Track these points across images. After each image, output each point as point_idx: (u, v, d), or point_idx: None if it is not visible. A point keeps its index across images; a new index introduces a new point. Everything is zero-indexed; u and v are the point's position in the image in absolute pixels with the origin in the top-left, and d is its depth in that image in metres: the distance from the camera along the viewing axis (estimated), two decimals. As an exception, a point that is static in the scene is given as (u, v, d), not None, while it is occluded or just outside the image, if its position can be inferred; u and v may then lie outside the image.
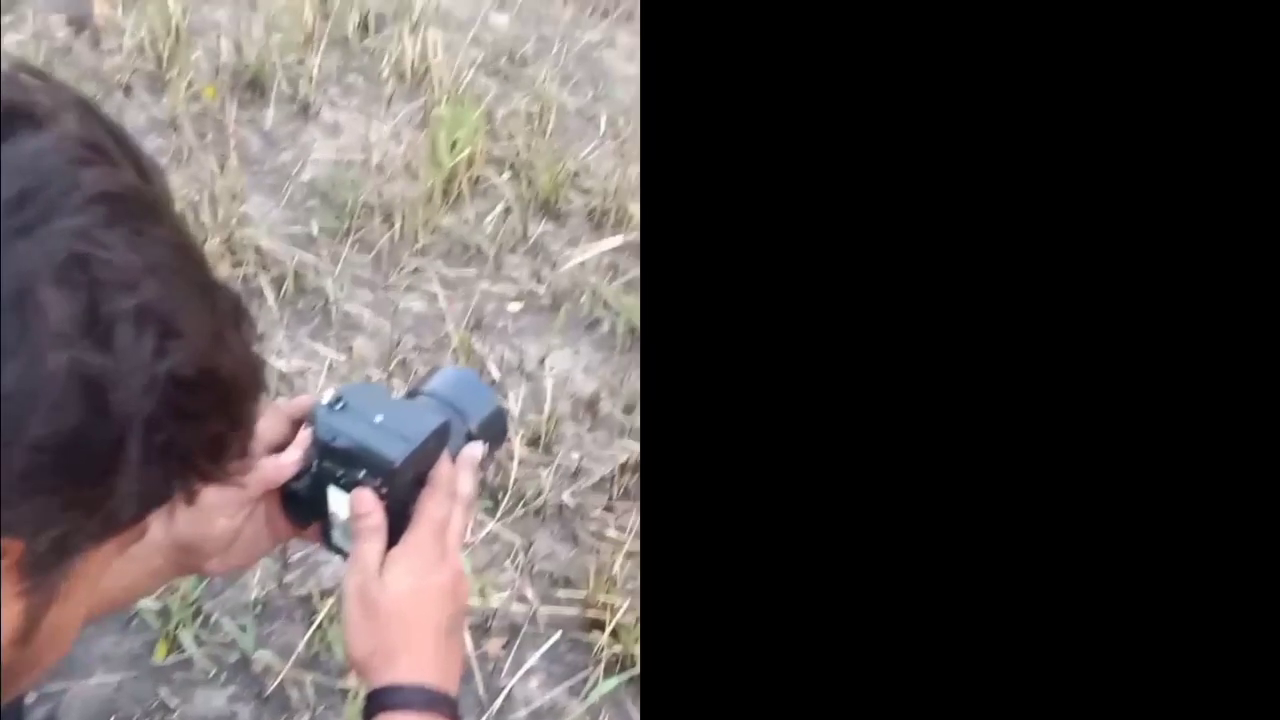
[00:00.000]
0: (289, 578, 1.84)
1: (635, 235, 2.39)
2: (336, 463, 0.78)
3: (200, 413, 0.48)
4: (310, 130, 2.49)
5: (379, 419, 0.77)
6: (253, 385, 0.52)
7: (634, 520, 1.92)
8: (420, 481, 0.79)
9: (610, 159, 2.67)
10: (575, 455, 2.01)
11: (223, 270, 2.17)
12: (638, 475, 1.98)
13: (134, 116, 2.37)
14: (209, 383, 0.47)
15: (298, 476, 0.80)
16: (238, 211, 2.20)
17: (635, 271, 2.36)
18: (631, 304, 2.25)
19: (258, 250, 2.16)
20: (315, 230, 2.27)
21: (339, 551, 0.84)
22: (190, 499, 0.51)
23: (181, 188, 2.18)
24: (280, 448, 0.82)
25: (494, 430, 0.89)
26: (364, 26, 2.77)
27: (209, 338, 0.47)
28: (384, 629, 0.76)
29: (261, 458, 0.80)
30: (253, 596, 1.75)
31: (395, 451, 0.77)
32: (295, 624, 1.75)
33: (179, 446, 0.47)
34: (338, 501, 0.80)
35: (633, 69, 3.09)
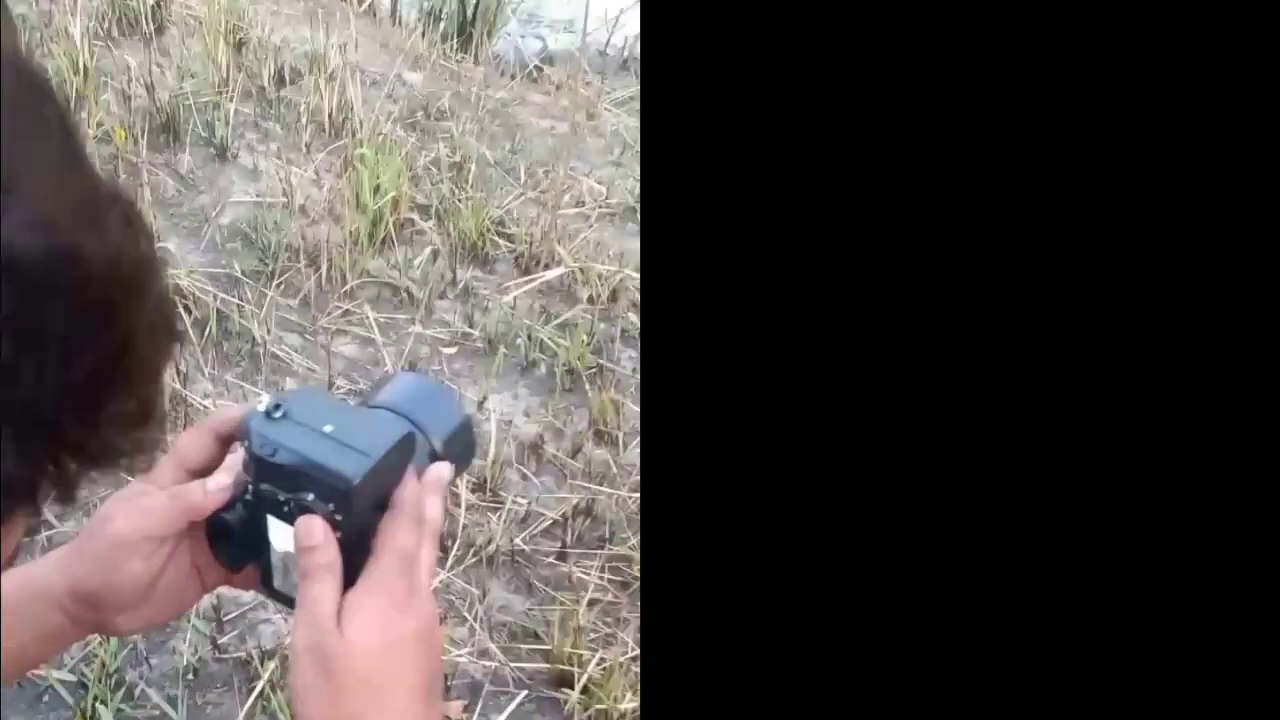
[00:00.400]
0: (224, 638, 1.71)
1: (568, 270, 2.37)
2: (277, 484, 0.62)
3: (55, 320, 0.31)
4: (228, 173, 2.41)
5: (328, 429, 0.62)
6: (140, 294, 0.35)
7: (594, 566, 1.87)
8: (381, 506, 0.64)
9: (533, 207, 2.65)
10: (523, 500, 1.95)
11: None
12: (590, 519, 1.94)
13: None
14: (67, 269, 0.31)
15: (228, 506, 0.65)
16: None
17: (569, 313, 2.34)
18: (567, 345, 2.22)
19: (178, 291, 2.06)
20: (238, 272, 2.18)
21: (282, 599, 0.68)
22: (66, 490, 0.34)
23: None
24: (206, 471, 0.66)
25: (460, 446, 0.73)
26: (279, 79, 2.72)
27: (69, 206, 0.33)
28: (346, 694, 0.60)
29: (182, 482, 0.66)
30: (183, 662, 1.62)
31: (351, 467, 0.61)
32: (233, 693, 1.63)
33: (25, 379, 0.31)
34: (279, 535, 0.64)
35: (547, 124, 3.10)
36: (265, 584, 0.69)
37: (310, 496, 0.61)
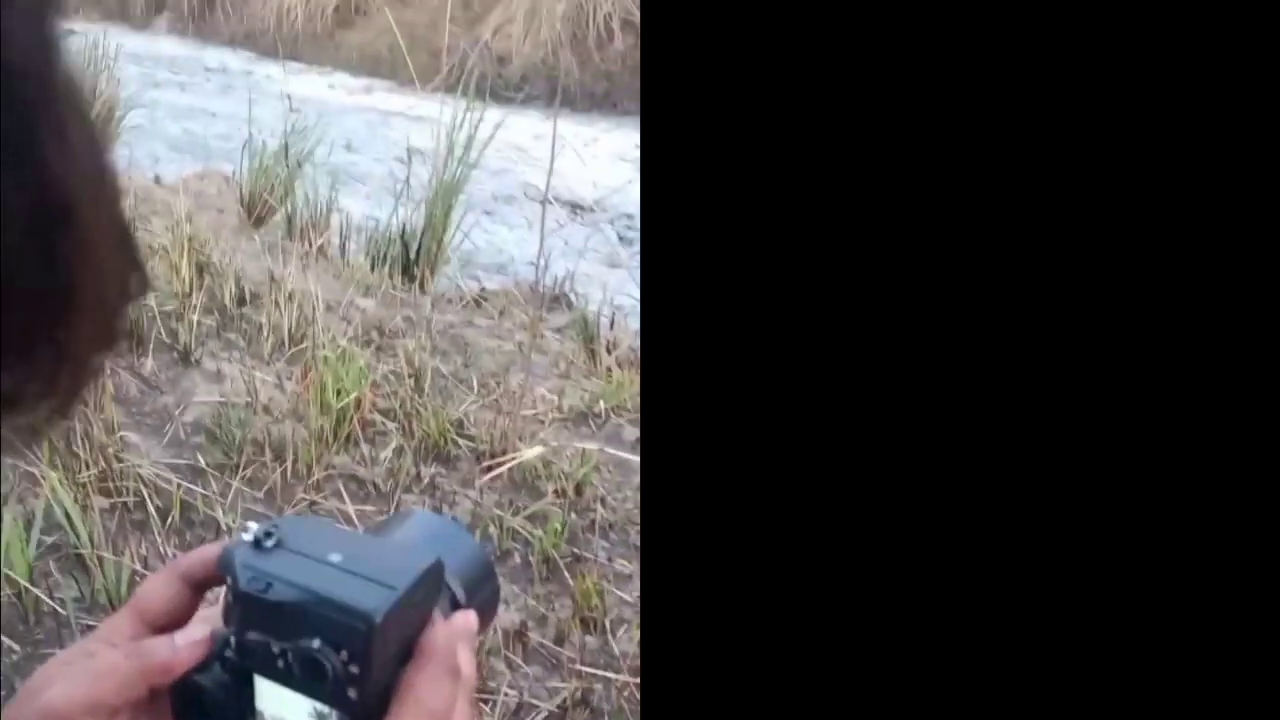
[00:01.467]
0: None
1: (546, 449, 2.38)
2: (270, 631, 0.49)
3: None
4: (191, 376, 2.41)
5: (335, 558, 0.50)
6: (98, 205, 0.30)
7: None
8: (404, 655, 0.51)
9: (489, 412, 2.69)
10: (513, 691, 1.87)
11: (101, 501, 2.00)
12: (589, 710, 1.86)
13: None
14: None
15: (203, 666, 0.51)
16: (116, 439, 2.06)
17: (538, 504, 2.33)
18: (540, 535, 2.20)
19: (140, 479, 2.01)
20: (202, 463, 2.14)
21: None
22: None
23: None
24: (172, 625, 0.53)
25: (487, 594, 0.61)
26: (239, 299, 2.77)
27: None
28: None
29: (142, 639, 0.52)
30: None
31: (371, 601, 0.48)
32: None
33: None
34: (271, 700, 0.51)
35: (494, 342, 3.18)
36: None
37: (316, 643, 0.48)
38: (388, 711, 0.49)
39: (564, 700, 1.85)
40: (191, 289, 2.59)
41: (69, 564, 1.92)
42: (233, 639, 0.50)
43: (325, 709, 0.50)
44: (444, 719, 0.49)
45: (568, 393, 2.88)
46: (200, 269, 2.75)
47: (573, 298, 3.81)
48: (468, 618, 0.55)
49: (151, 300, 2.50)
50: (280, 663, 0.49)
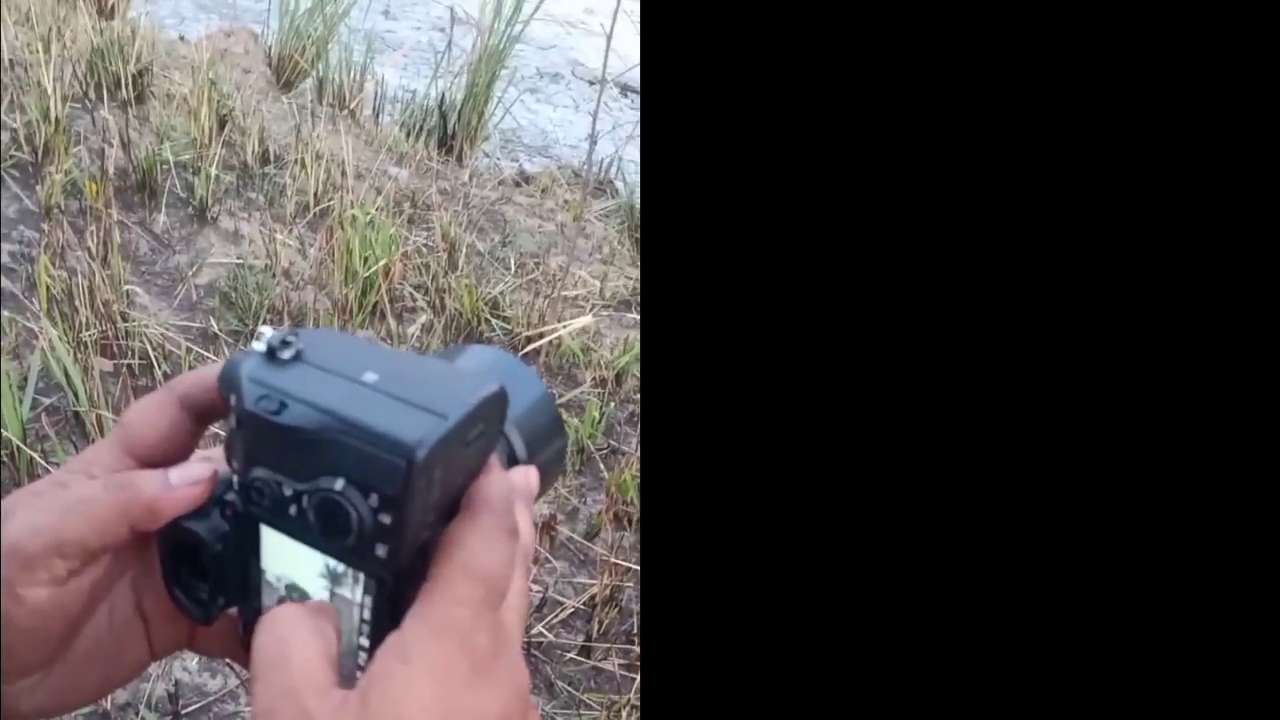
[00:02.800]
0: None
1: (592, 322, 2.19)
2: (284, 467, 0.39)
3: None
4: (207, 235, 2.20)
5: (369, 377, 0.39)
6: None
7: (624, 664, 1.61)
8: (449, 510, 0.40)
9: (526, 293, 2.48)
10: (537, 586, 1.70)
11: (103, 363, 1.82)
12: (617, 610, 1.69)
13: (3, 208, 2.04)
14: None
15: (199, 513, 0.42)
16: (122, 294, 1.87)
17: (574, 393, 2.13)
18: (577, 424, 2.00)
19: (147, 341, 1.82)
20: (215, 328, 1.95)
21: None
22: None
23: (53, 283, 1.85)
24: (166, 460, 0.42)
25: (550, 454, 0.49)
26: (263, 157, 2.55)
27: None
28: None
29: (127, 470, 0.42)
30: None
31: (415, 430, 0.37)
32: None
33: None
34: (279, 557, 0.41)
35: (534, 222, 2.96)
36: (250, 646, 0.43)
37: (338, 485, 0.37)
38: (426, 575, 0.38)
39: (592, 598, 1.68)
40: (210, 139, 2.37)
41: (67, 426, 1.74)
42: (235, 479, 0.40)
43: (343, 569, 0.40)
44: (498, 588, 0.38)
45: (610, 277, 2.67)
46: (221, 121, 2.52)
47: (619, 184, 3.57)
48: (528, 475, 0.44)
49: (167, 149, 2.29)
50: (293, 509, 0.39)
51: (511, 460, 0.46)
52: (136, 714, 1.47)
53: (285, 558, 0.41)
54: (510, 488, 0.40)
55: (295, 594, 0.41)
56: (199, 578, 0.42)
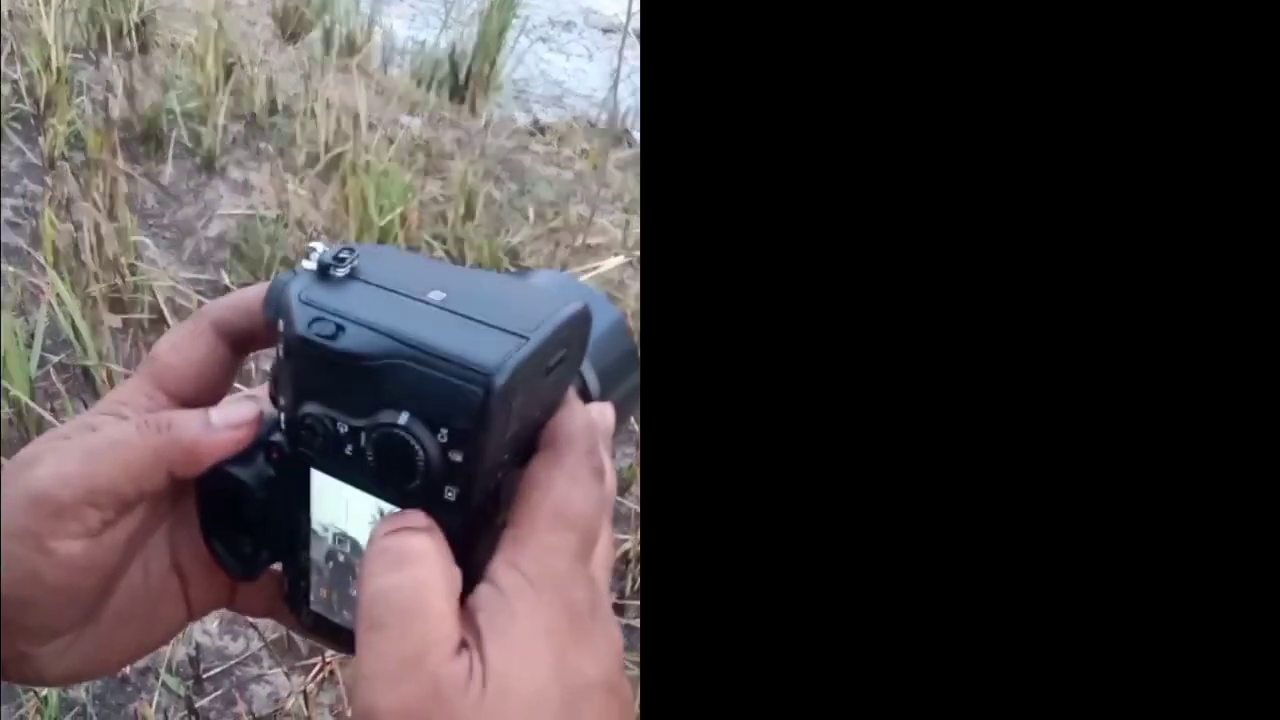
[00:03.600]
0: (204, 700, 1.36)
1: (627, 259, 2.11)
2: (339, 401, 0.34)
3: None
4: (215, 186, 2.12)
5: (437, 296, 0.34)
6: None
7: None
8: (526, 448, 0.35)
9: (547, 243, 2.40)
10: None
11: (112, 319, 1.75)
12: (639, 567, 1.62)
13: (4, 162, 1.96)
14: None
15: (242, 458, 0.37)
16: (130, 247, 1.79)
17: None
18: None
19: (156, 295, 1.75)
20: (226, 280, 1.87)
21: (330, 633, 0.39)
22: None
23: (58, 237, 1.77)
24: (205, 398, 0.38)
25: (626, 390, 0.43)
26: (271, 107, 2.46)
27: None
28: None
29: (161, 408, 0.37)
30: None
31: (492, 352, 0.32)
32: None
33: None
34: (330, 507, 0.36)
35: (552, 170, 2.87)
36: (296, 605, 0.39)
37: (402, 418, 0.32)
38: (507, 520, 0.34)
39: (625, 553, 1.62)
40: (217, 88, 2.28)
41: (76, 384, 1.68)
42: (282, 417, 0.36)
43: None
44: (591, 536, 0.34)
45: (632, 226, 2.58)
46: (228, 69, 2.43)
47: (636, 134, 3.48)
48: (604, 412, 0.39)
49: (172, 98, 2.20)
50: (348, 449, 0.34)
51: (584, 396, 0.40)
52: (156, 679, 1.41)
53: (336, 505, 0.36)
54: (592, 423, 0.36)
55: (344, 545, 0.37)
56: (241, 530, 0.38)
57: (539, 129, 3.34)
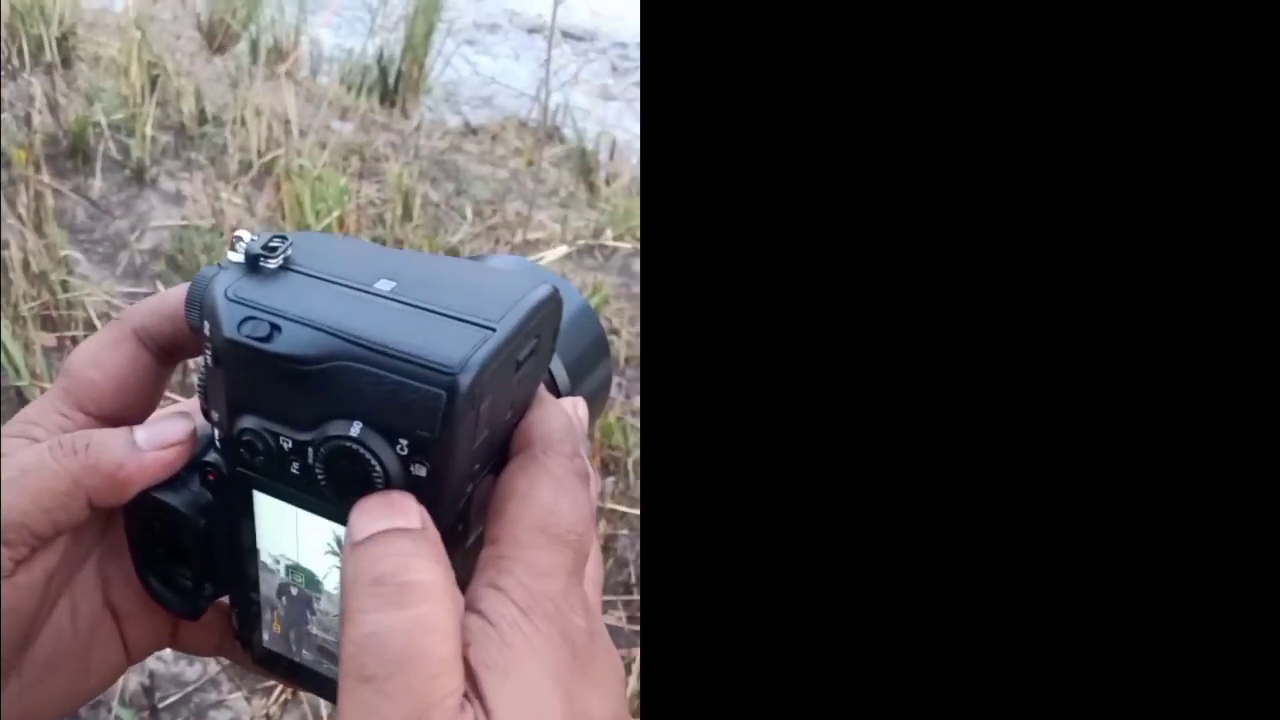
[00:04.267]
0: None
1: (571, 249, 2.10)
2: (280, 412, 0.30)
3: None
4: (147, 198, 2.08)
5: (385, 285, 0.30)
6: None
7: (623, 616, 1.54)
8: (497, 456, 0.32)
9: (486, 241, 2.38)
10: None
11: (45, 337, 1.70)
12: (613, 558, 1.62)
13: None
14: None
15: (174, 483, 0.33)
16: (60, 262, 1.75)
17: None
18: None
19: (90, 311, 1.71)
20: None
21: (292, 674, 0.35)
22: None
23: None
24: (130, 411, 0.34)
25: (595, 381, 0.40)
26: (200, 117, 2.42)
27: None
28: None
29: (77, 425, 0.33)
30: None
31: (453, 348, 0.28)
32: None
33: None
34: (280, 534, 0.32)
35: (487, 169, 2.85)
36: (247, 641, 0.35)
37: (354, 429, 0.28)
38: (484, 538, 0.30)
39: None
40: (144, 98, 2.23)
41: (11, 407, 1.63)
42: (216, 434, 0.31)
43: None
44: (583, 550, 0.29)
45: (570, 220, 2.58)
46: (153, 79, 2.38)
47: (567, 131, 3.47)
48: (577, 406, 0.34)
49: (98, 110, 2.15)
50: (295, 466, 0.30)
51: (552, 391, 0.36)
52: (109, 712, 1.37)
53: (285, 531, 0.31)
54: (570, 421, 0.32)
55: (297, 576, 0.32)
56: (179, 561, 0.33)
57: (471, 130, 3.32)
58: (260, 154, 2.30)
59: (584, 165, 3.09)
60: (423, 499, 0.28)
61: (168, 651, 1.46)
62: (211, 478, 0.32)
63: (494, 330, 0.28)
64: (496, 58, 4.19)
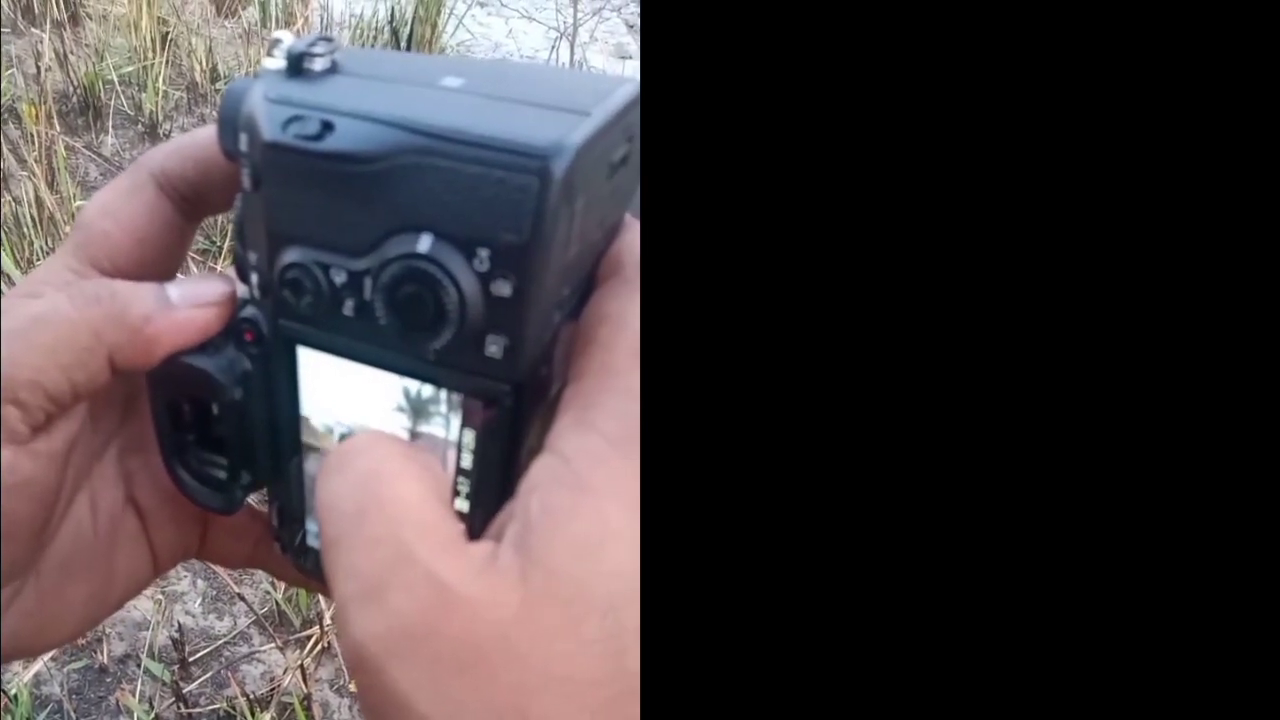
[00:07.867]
0: (191, 686, 1.25)
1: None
2: (333, 234, 0.24)
3: None
4: (162, 153, 1.99)
5: (453, 81, 0.24)
6: None
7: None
8: (585, 277, 0.26)
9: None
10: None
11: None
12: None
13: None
14: None
15: (208, 347, 0.27)
16: (74, 215, 1.66)
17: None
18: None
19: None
20: (182, 246, 1.75)
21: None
22: None
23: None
24: (154, 265, 0.29)
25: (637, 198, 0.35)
26: (213, 75, 2.33)
27: None
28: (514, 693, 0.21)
29: (105, 277, 0.28)
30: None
31: (544, 130, 0.22)
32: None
33: None
34: (330, 392, 0.27)
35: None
36: (288, 543, 0.30)
37: (424, 243, 0.23)
38: (570, 374, 0.25)
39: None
40: (155, 50, 2.14)
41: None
42: (255, 281, 0.26)
43: (430, 392, 0.25)
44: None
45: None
46: (164, 36, 2.29)
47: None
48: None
49: (108, 65, 2.06)
50: (349, 304, 0.24)
51: None
52: (138, 665, 1.29)
53: (336, 392, 0.26)
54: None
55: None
56: (212, 448, 0.29)
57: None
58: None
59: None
60: (505, 327, 0.23)
61: (196, 606, 1.36)
62: (249, 337, 0.27)
63: (589, 114, 0.23)
64: (508, 19, 4.10)
